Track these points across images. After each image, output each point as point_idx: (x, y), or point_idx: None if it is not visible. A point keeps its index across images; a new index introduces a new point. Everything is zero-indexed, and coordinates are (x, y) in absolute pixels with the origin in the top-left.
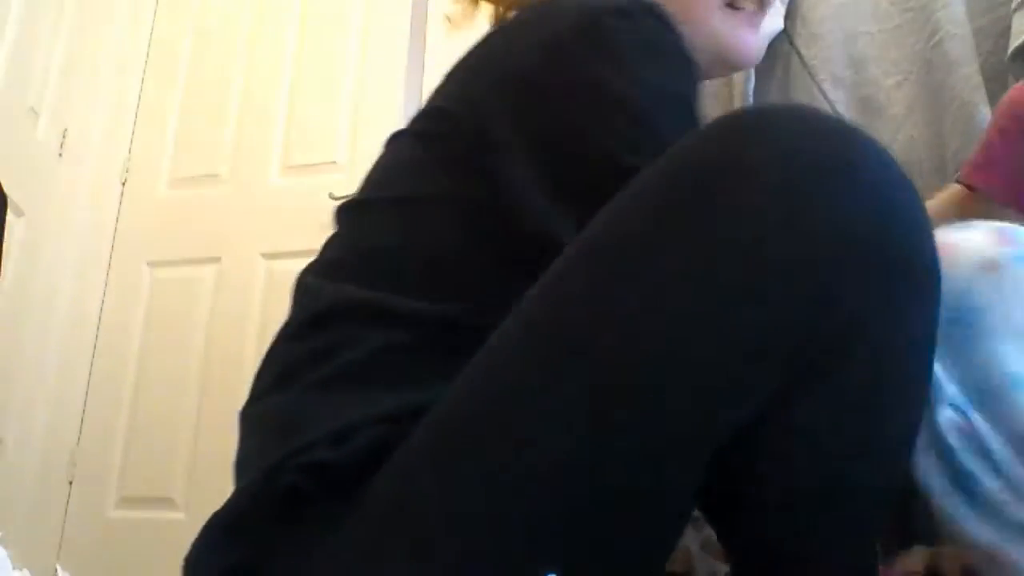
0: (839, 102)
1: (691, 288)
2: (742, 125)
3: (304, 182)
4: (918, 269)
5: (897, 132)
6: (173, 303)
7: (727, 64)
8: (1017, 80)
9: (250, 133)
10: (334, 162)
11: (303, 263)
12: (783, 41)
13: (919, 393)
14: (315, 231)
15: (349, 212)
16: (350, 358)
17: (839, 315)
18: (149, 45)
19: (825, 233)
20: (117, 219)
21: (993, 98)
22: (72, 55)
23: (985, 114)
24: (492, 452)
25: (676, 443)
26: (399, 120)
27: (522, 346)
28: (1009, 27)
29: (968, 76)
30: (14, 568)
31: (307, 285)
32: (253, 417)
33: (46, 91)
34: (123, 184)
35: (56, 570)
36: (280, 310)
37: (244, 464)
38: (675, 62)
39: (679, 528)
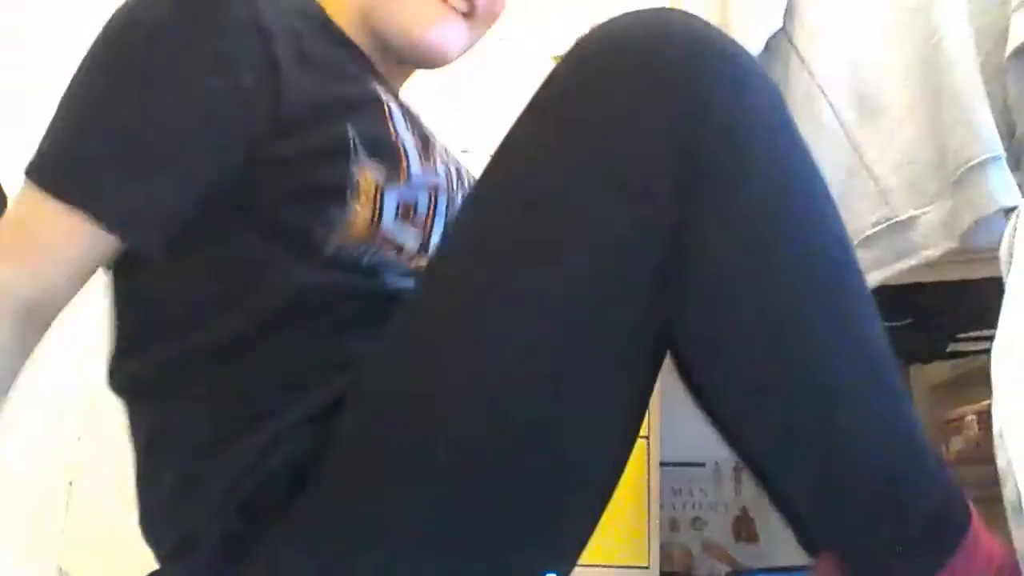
0: (839, 102)
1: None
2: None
3: None
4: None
5: (897, 132)
6: None
7: (416, 54)
8: (1017, 80)
9: None
10: None
11: None
12: (782, 40)
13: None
14: None
15: None
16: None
17: (706, 127)
18: None
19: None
20: None
21: (993, 98)
22: None
23: (985, 114)
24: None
25: (604, 285)
26: None
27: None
28: (1008, 27)
29: (968, 76)
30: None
31: None
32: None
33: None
34: None
35: (56, 570)
36: None
37: (156, 520)
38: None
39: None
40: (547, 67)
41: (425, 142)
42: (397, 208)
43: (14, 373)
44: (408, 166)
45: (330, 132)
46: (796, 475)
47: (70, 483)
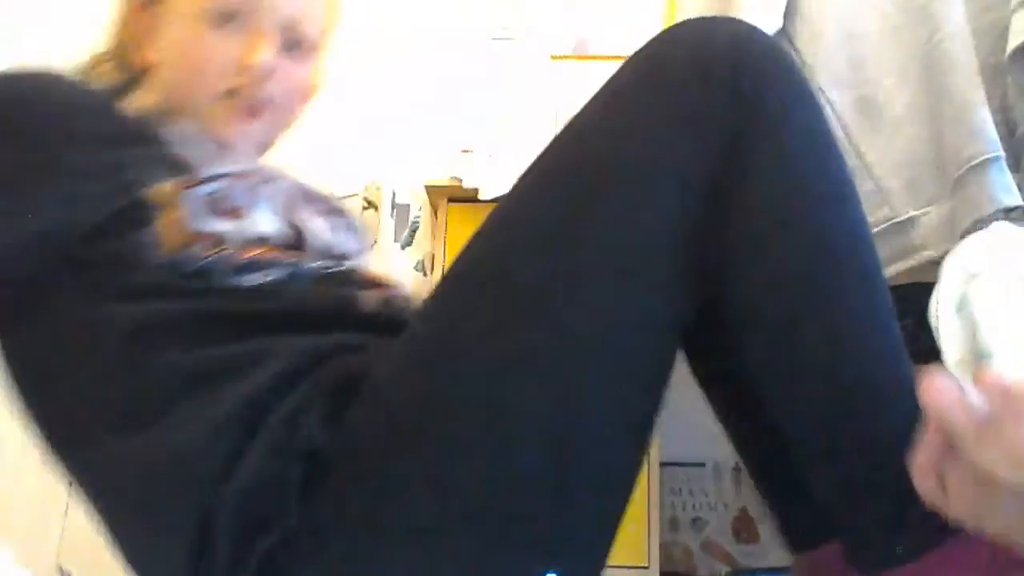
0: (839, 102)
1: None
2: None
3: None
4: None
5: (897, 132)
6: None
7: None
8: (1017, 81)
9: None
10: None
11: None
12: (782, 40)
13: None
14: None
15: None
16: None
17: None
18: None
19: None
20: None
21: (993, 98)
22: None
23: (985, 114)
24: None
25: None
26: None
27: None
28: (1008, 27)
29: (968, 76)
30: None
31: None
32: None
33: None
34: None
35: (56, 570)
36: None
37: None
38: None
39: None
40: (547, 67)
41: (225, 149)
42: (204, 202)
43: None
44: (200, 168)
45: (109, 163)
46: (811, 424)
47: (70, 483)
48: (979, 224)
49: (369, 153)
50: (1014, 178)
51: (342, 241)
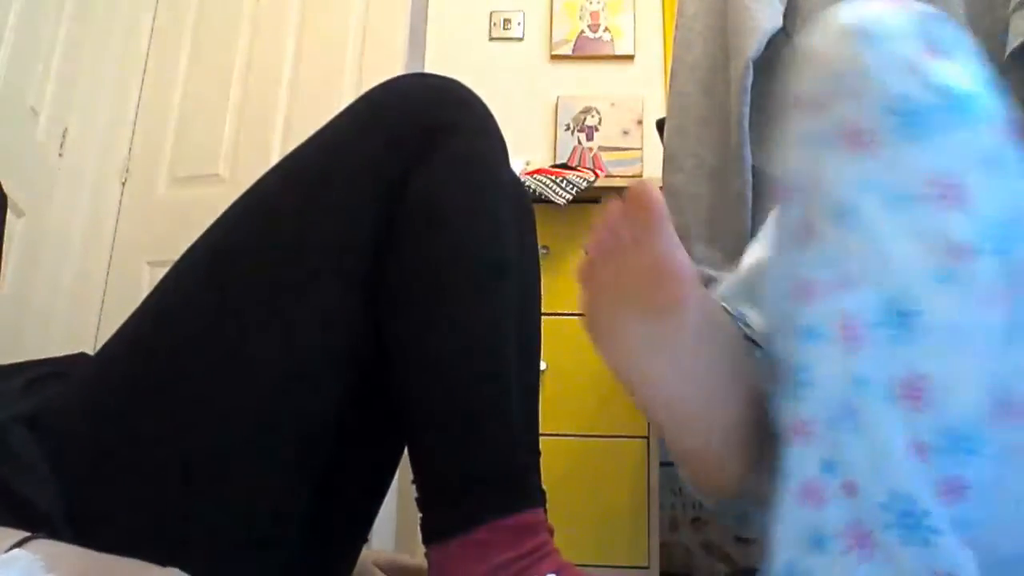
0: None
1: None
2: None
3: None
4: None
5: None
6: None
7: None
8: (1017, 81)
9: (250, 133)
10: None
11: None
12: (783, 40)
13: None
14: None
15: None
16: None
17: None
18: (149, 45)
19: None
20: (117, 219)
21: None
22: (72, 55)
23: None
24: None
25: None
26: None
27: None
28: (1008, 27)
29: None
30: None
31: None
32: None
33: (46, 91)
34: (123, 184)
35: None
36: None
37: None
38: None
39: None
40: (546, 67)
41: None
42: None
43: None
44: None
45: None
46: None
47: None
48: None
49: None
50: None
51: None
